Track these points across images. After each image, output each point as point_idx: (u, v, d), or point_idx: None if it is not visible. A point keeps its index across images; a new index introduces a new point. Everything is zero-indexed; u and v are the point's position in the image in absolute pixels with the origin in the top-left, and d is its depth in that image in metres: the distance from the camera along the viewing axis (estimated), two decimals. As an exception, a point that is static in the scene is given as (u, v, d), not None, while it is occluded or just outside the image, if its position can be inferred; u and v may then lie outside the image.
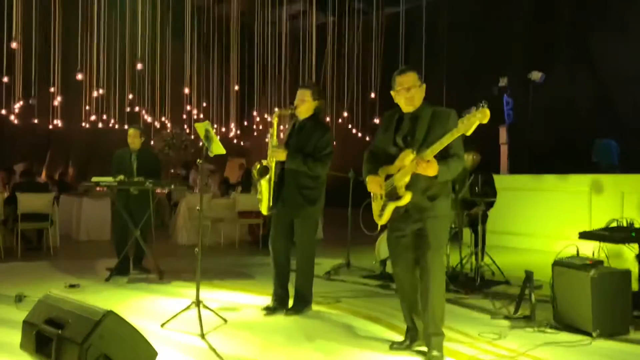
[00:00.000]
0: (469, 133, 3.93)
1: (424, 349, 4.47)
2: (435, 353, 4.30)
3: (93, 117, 16.54)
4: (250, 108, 19.69)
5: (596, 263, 5.13)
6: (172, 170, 17.26)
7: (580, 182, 10.27)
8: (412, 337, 4.61)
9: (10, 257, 9.10)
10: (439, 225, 4.36)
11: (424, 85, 4.43)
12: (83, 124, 17.02)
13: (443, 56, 15.91)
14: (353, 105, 17.95)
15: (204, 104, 18.58)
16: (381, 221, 4.50)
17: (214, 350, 4.60)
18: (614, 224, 5.69)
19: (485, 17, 15.97)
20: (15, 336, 4.23)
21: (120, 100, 16.18)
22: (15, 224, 9.39)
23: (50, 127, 16.75)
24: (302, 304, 5.75)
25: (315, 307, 5.87)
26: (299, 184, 5.57)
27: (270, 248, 5.80)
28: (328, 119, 17.19)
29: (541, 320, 5.27)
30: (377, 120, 16.50)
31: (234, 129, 19.50)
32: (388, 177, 4.40)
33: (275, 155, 5.59)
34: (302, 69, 16.99)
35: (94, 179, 7.42)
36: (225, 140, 14.22)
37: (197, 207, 5.46)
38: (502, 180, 9.38)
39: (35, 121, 17.03)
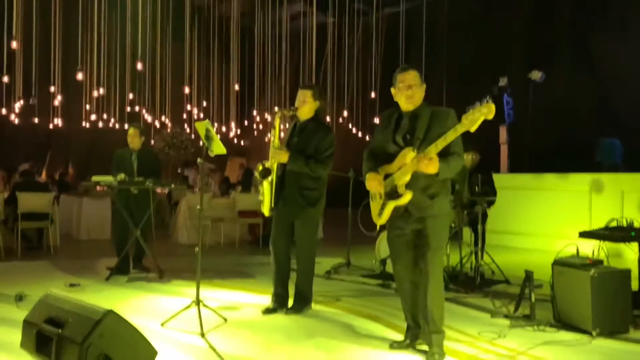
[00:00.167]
0: (473, 129, 3.93)
1: (425, 347, 4.48)
2: (436, 350, 4.32)
3: (93, 117, 16.55)
4: (251, 108, 19.71)
5: (596, 262, 5.13)
6: (179, 170, 17.25)
7: (580, 181, 10.28)
8: (412, 336, 4.61)
9: (11, 257, 9.10)
10: (439, 225, 4.37)
11: (424, 86, 4.44)
12: (83, 124, 17.03)
13: (443, 56, 15.92)
14: (353, 105, 17.96)
15: (204, 104, 18.59)
16: (380, 221, 4.49)
17: (214, 349, 4.60)
18: (614, 224, 5.69)
19: (485, 17, 15.97)
20: (15, 335, 4.23)
21: (120, 100, 16.19)
22: (16, 224, 9.39)
23: (51, 126, 16.76)
24: (302, 303, 5.75)
25: (315, 306, 5.88)
26: (300, 185, 5.57)
27: (271, 247, 5.80)
28: (328, 118, 17.21)
29: (541, 319, 5.28)
30: (377, 120, 16.51)
31: (234, 129, 19.50)
32: (387, 176, 4.40)
33: (277, 157, 5.59)
34: (302, 68, 17.00)
35: (94, 178, 7.42)
36: (225, 139, 14.22)
37: (198, 207, 5.46)
38: (502, 180, 9.38)
39: (36, 121, 17.04)
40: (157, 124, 17.66)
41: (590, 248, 5.55)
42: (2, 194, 9.93)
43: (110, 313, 3.64)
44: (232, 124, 19.26)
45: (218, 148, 5.49)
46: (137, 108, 16.88)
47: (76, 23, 13.88)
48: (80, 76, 13.62)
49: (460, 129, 3.96)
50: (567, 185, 10.45)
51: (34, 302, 4.20)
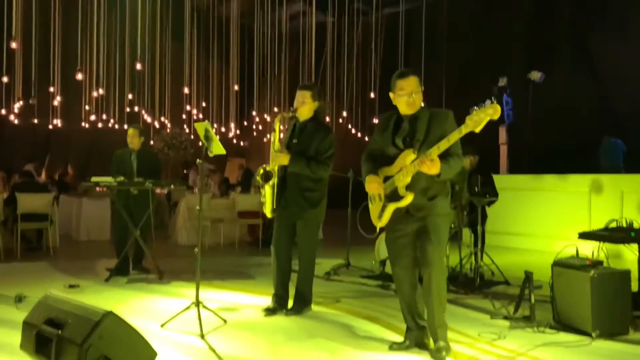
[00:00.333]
0: (477, 130, 3.92)
1: (425, 353, 4.49)
2: (441, 344, 4.34)
3: (93, 117, 16.54)
4: (250, 108, 19.71)
5: (596, 263, 5.13)
6: (185, 171, 17.23)
7: (579, 182, 10.27)
8: (412, 338, 4.61)
9: (10, 258, 9.10)
10: (440, 222, 4.39)
11: (422, 88, 4.44)
12: (83, 124, 17.03)
13: (443, 56, 15.91)
14: (352, 105, 17.95)
15: (204, 104, 18.58)
16: (381, 223, 4.49)
17: (213, 350, 4.60)
18: (614, 224, 5.69)
19: (485, 17, 15.97)
20: (15, 336, 4.23)
21: (120, 100, 16.19)
22: (15, 224, 9.39)
23: (50, 127, 16.75)
24: (302, 304, 5.76)
25: (315, 308, 5.88)
26: (301, 186, 5.57)
27: (272, 248, 5.81)
28: (328, 119, 17.20)
29: (541, 320, 5.27)
30: (376, 120, 16.51)
31: (233, 129, 19.50)
32: (387, 178, 4.41)
33: (278, 160, 5.59)
34: (302, 68, 17.00)
35: (94, 179, 7.42)
36: (224, 140, 14.22)
37: (197, 207, 5.46)
38: (501, 181, 9.38)
39: (35, 121, 17.03)
40: (156, 124, 17.65)
41: (589, 249, 5.54)
42: (2, 195, 9.92)
43: (109, 314, 3.64)
44: (232, 125, 19.26)
45: (217, 148, 5.49)
46: (136, 108, 16.88)
47: (76, 23, 13.88)
48: (79, 76, 13.62)
49: (464, 129, 3.96)
50: (567, 186, 10.45)
51: (33, 303, 4.20)
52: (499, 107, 3.84)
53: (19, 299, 6.01)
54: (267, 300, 5.94)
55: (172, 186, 8.20)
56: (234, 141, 20.29)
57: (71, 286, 6.87)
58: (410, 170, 4.21)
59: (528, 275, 5.48)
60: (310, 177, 5.55)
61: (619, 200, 9.54)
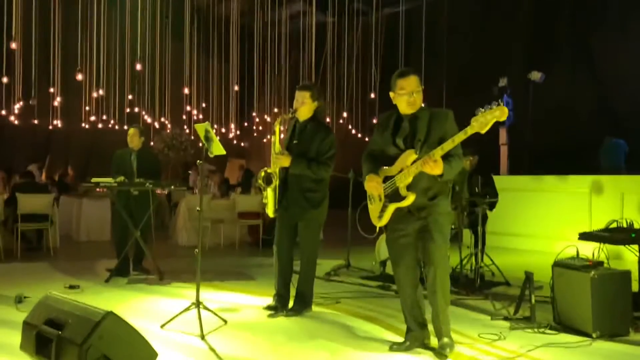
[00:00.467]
0: (483, 131, 3.92)
1: (425, 353, 4.49)
2: (446, 340, 4.37)
3: (93, 118, 16.54)
4: (250, 109, 19.70)
5: (596, 264, 5.13)
6: (189, 172, 17.22)
7: (580, 182, 10.27)
8: (412, 338, 4.61)
9: (10, 258, 9.10)
10: (442, 221, 4.40)
11: (422, 87, 4.44)
12: (83, 125, 17.03)
13: (443, 56, 15.90)
14: (353, 106, 17.95)
15: (204, 105, 18.59)
16: (381, 223, 4.49)
17: (214, 350, 4.60)
18: (614, 225, 5.69)
19: (485, 18, 15.97)
20: (15, 337, 4.23)
21: (120, 101, 16.19)
22: (15, 225, 9.39)
23: (50, 127, 16.75)
24: (303, 305, 5.76)
25: (315, 308, 5.87)
26: (302, 187, 5.58)
27: (274, 249, 5.81)
28: (328, 119, 17.19)
29: (541, 321, 5.27)
30: (375, 120, 16.50)
31: (233, 130, 19.50)
32: (387, 178, 4.40)
33: (279, 162, 5.60)
34: (302, 69, 17.00)
35: (94, 180, 7.42)
36: (224, 141, 14.21)
37: (197, 208, 5.46)
38: (502, 181, 9.38)
39: (35, 122, 17.04)
40: (156, 125, 17.65)
41: (590, 249, 5.54)
42: (2, 195, 9.92)
43: (110, 314, 3.64)
44: (232, 125, 19.26)
45: (217, 149, 5.50)
46: (136, 109, 16.88)
47: (76, 24, 13.88)
48: (79, 77, 13.62)
49: (470, 131, 3.96)
50: (567, 186, 10.44)
51: (33, 303, 4.21)
52: (506, 109, 3.84)
53: (19, 300, 6.00)
54: (268, 301, 5.94)
55: (172, 187, 8.19)
56: (234, 142, 20.29)
57: (71, 287, 6.86)
58: (411, 170, 4.21)
59: (528, 276, 5.48)
60: (311, 177, 5.55)
61: (620, 200, 9.54)
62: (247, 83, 18.46)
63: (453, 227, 7.13)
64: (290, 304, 5.79)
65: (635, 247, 5.64)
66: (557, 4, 14.51)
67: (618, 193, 9.66)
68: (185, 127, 18.36)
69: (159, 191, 8.14)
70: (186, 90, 16.77)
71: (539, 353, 4.57)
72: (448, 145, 4.07)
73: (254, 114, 19.23)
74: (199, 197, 5.70)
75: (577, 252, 5.33)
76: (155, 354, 3.85)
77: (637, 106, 12.26)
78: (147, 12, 14.55)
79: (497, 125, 12.20)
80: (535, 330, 5.16)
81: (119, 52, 15.29)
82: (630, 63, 12.50)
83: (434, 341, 4.54)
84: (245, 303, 6.26)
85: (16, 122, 16.08)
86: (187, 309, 5.26)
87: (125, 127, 11.89)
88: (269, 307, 5.79)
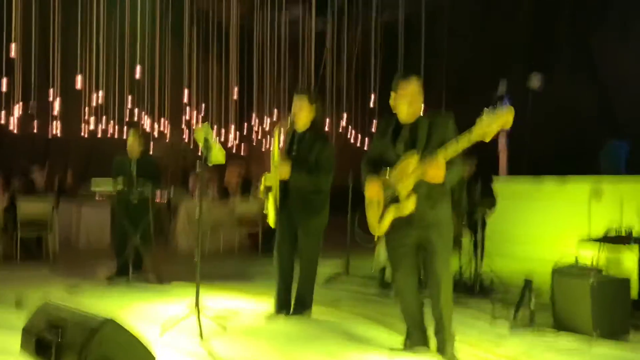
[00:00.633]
0: (488, 139, 3.89)
1: (425, 353, 4.49)
2: (449, 355, 4.35)
3: (92, 124, 16.54)
4: (250, 114, 19.70)
5: (595, 270, 5.13)
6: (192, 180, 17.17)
7: (579, 187, 10.25)
8: (412, 341, 4.60)
9: (10, 264, 9.09)
10: (444, 231, 4.37)
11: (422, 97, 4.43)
12: (82, 130, 17.02)
13: (442, 57, 15.89)
14: (352, 111, 17.95)
15: (203, 111, 18.58)
16: (380, 230, 4.42)
17: (213, 355, 4.60)
18: (613, 232, 5.70)
19: (485, 18, 15.96)
20: (14, 343, 4.22)
21: (119, 107, 16.19)
22: (15, 231, 9.38)
23: (49, 133, 16.75)
24: (302, 309, 5.76)
25: (315, 312, 5.87)
26: (302, 195, 5.60)
27: (275, 253, 5.82)
28: (328, 121, 17.20)
29: (540, 326, 5.27)
30: (375, 126, 16.50)
31: (232, 136, 19.49)
32: (386, 185, 4.35)
33: (280, 174, 5.60)
34: (301, 73, 17.01)
35: (94, 180, 7.42)
36: (224, 146, 14.19)
37: (197, 212, 5.46)
38: (501, 186, 9.36)
39: (35, 127, 17.02)
40: (155, 131, 17.65)
41: (589, 256, 5.55)
42: (1, 201, 9.91)
43: (109, 321, 3.64)
44: (231, 131, 19.25)
45: (216, 158, 5.49)
46: (136, 115, 16.88)
47: (75, 29, 13.89)
48: (79, 83, 13.62)
49: (474, 137, 3.91)
50: (566, 192, 10.43)
51: (33, 309, 4.20)
52: (511, 118, 3.76)
53: (19, 305, 6.00)
54: (267, 305, 5.96)
55: (171, 188, 8.21)
56: (234, 147, 20.28)
57: (71, 292, 6.86)
58: (413, 176, 4.17)
59: (527, 282, 5.48)
60: (311, 188, 5.58)
61: (619, 205, 9.52)
62: (247, 88, 18.46)
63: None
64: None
65: (635, 253, 5.65)
66: (557, 4, 14.50)
67: (617, 197, 9.64)
68: (185, 131, 18.34)
69: (158, 199, 8.14)
70: (185, 96, 16.77)
71: (538, 357, 4.58)
72: (451, 152, 4.00)
73: (253, 119, 19.22)
74: (198, 202, 5.70)
75: (577, 258, 5.34)
76: (154, 359, 3.84)
77: (638, 108, 12.26)
78: (146, 18, 14.56)
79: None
80: (535, 334, 5.16)
81: (119, 58, 15.30)
82: (631, 64, 12.47)
83: (433, 344, 4.53)
84: (245, 307, 6.26)
85: (15, 128, 16.07)
86: (187, 315, 5.24)
87: (125, 133, 11.89)
88: (270, 315, 5.80)
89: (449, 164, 4.10)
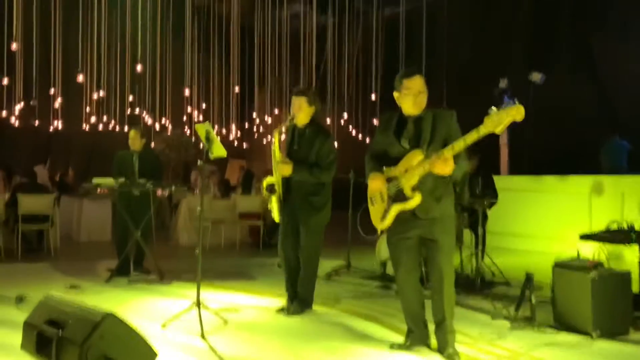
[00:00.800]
0: (498, 130, 3.87)
1: (425, 350, 4.49)
2: (451, 350, 4.34)
3: (93, 119, 16.55)
4: (251, 110, 19.70)
5: (596, 265, 5.13)
6: (192, 172, 17.19)
7: (580, 183, 10.26)
8: (412, 338, 4.60)
9: (11, 258, 9.10)
10: (447, 227, 4.37)
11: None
12: (83, 126, 17.03)
13: (443, 56, 15.89)
14: (353, 107, 17.94)
15: (204, 106, 18.59)
16: (383, 225, 4.41)
17: (214, 350, 4.60)
18: (614, 226, 5.69)
19: (485, 18, 15.95)
20: (16, 337, 4.23)
21: (120, 102, 16.20)
22: (16, 225, 9.39)
23: (51, 128, 16.76)
24: (303, 305, 5.78)
25: (315, 308, 5.88)
26: (305, 191, 5.62)
27: (280, 252, 5.87)
28: (329, 120, 17.19)
29: (541, 321, 5.27)
30: (376, 121, 16.51)
31: (234, 131, 19.49)
32: (390, 179, 4.34)
33: (281, 171, 5.62)
34: (303, 69, 16.99)
35: (95, 179, 7.43)
36: (225, 141, 14.20)
37: (198, 208, 5.46)
38: (502, 181, 9.37)
39: (36, 123, 17.04)
40: (157, 126, 17.66)
41: (590, 250, 5.55)
42: (3, 196, 9.92)
43: (110, 315, 3.65)
44: (232, 126, 19.25)
45: (218, 151, 5.50)
46: (137, 110, 16.89)
47: (76, 25, 13.89)
48: (80, 78, 13.63)
49: (483, 130, 3.89)
50: (567, 187, 10.43)
51: (34, 303, 4.22)
52: (522, 109, 3.76)
53: (20, 300, 6.01)
54: (268, 301, 5.97)
55: (172, 187, 8.21)
56: (235, 143, 20.29)
57: (72, 287, 6.87)
58: (417, 171, 4.16)
59: (529, 277, 5.48)
60: (313, 182, 5.58)
61: (620, 201, 9.53)
62: (248, 84, 18.45)
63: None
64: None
65: (635, 247, 5.64)
66: (557, 4, 14.50)
67: (618, 193, 9.65)
68: (186, 127, 18.36)
69: (159, 192, 8.15)
70: (187, 91, 16.77)
71: (539, 352, 4.58)
72: (459, 145, 3.99)
73: (254, 114, 19.21)
74: (199, 197, 5.71)
75: (578, 252, 5.34)
76: (155, 354, 3.85)
77: (638, 106, 12.25)
78: (147, 14, 14.55)
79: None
80: (536, 330, 5.17)
81: (120, 53, 15.30)
82: (630, 63, 12.48)
83: (434, 341, 4.53)
84: (246, 303, 6.26)
85: (17, 123, 16.09)
86: (188, 309, 5.26)
87: (126, 129, 11.89)
88: (281, 310, 5.82)
89: (456, 157, 4.09)
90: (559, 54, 14.06)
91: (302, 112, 5.65)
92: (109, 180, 7.39)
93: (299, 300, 5.78)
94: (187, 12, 15.82)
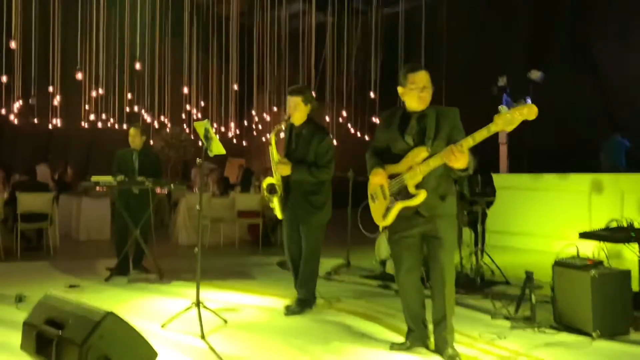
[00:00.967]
0: (509, 129, 3.84)
1: (425, 351, 4.49)
2: (450, 351, 4.32)
3: (92, 117, 16.55)
4: (250, 108, 19.70)
5: (596, 263, 5.12)
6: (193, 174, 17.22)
7: (580, 181, 10.26)
8: (413, 339, 4.60)
9: (10, 257, 9.09)
10: (449, 225, 4.36)
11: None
12: (82, 124, 17.03)
13: (443, 55, 15.89)
14: (352, 105, 17.95)
15: (203, 104, 18.58)
16: (385, 222, 4.38)
17: (213, 350, 4.60)
18: (614, 224, 5.69)
19: (485, 17, 15.95)
20: (15, 337, 4.23)
21: (119, 100, 16.19)
22: (15, 224, 9.38)
23: (50, 126, 16.76)
24: (303, 304, 5.79)
25: (315, 307, 5.88)
26: (304, 190, 5.62)
27: (285, 252, 5.89)
28: (327, 118, 17.20)
29: (541, 320, 5.26)
30: (375, 119, 16.53)
31: (233, 129, 19.49)
32: (392, 176, 4.32)
33: (280, 171, 5.63)
34: (302, 68, 16.99)
35: (94, 178, 7.41)
36: (224, 140, 14.18)
37: (197, 207, 5.46)
38: (501, 180, 9.37)
39: (35, 121, 17.04)
40: (156, 124, 17.66)
41: (590, 249, 5.54)
42: (2, 194, 9.91)
43: (110, 314, 3.65)
44: (231, 125, 19.26)
45: (217, 148, 5.49)
46: (136, 108, 16.88)
47: (75, 23, 13.88)
48: (79, 76, 13.61)
49: (493, 128, 3.86)
50: (567, 185, 10.42)
51: (33, 303, 4.21)
52: (535, 108, 3.72)
53: (19, 299, 6.00)
54: (268, 300, 5.97)
55: (172, 185, 8.22)
56: (234, 141, 20.30)
57: (71, 286, 6.87)
58: (422, 168, 4.14)
59: (529, 276, 5.47)
60: (313, 181, 5.58)
61: (619, 199, 9.53)
62: (247, 82, 18.45)
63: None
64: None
65: (635, 246, 5.64)
66: (557, 4, 14.50)
67: (618, 192, 9.65)
68: (185, 126, 18.35)
69: (158, 190, 8.13)
70: (185, 90, 16.76)
71: (539, 352, 4.58)
72: (468, 142, 3.93)
73: (253, 112, 19.22)
74: (198, 195, 5.70)
75: (577, 251, 5.33)
76: (155, 354, 3.85)
77: (637, 105, 12.26)
78: (146, 12, 14.54)
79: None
80: (536, 329, 5.16)
81: (119, 51, 15.29)
82: (630, 63, 12.49)
83: (433, 339, 4.53)
84: (246, 302, 6.26)
85: (16, 121, 16.08)
86: (187, 308, 5.26)
87: (125, 127, 11.88)
88: (287, 307, 5.84)
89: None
90: (559, 54, 14.06)
91: (298, 111, 5.65)
92: (107, 178, 7.38)
93: (299, 300, 5.78)
94: (186, 10, 15.80)
